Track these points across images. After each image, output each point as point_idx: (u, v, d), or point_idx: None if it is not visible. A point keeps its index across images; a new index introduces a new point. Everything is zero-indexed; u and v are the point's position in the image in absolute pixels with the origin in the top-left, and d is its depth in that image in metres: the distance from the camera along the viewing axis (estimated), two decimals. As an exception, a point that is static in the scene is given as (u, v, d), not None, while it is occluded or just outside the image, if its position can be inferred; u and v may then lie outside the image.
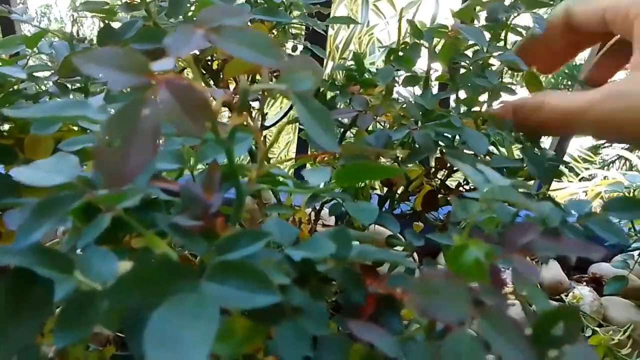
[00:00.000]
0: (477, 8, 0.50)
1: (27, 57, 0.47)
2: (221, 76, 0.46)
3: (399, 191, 0.50)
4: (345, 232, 0.25)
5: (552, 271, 0.83)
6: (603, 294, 0.77)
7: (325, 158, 0.35)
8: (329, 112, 0.23)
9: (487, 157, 0.42)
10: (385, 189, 0.50)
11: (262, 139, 0.27)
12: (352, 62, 0.49)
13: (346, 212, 0.45)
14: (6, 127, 0.43)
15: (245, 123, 0.24)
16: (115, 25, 0.41)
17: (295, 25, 0.57)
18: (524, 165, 0.41)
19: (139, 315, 0.23)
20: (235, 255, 0.23)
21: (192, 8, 0.46)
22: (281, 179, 0.29)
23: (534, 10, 0.48)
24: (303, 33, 0.69)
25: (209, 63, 0.48)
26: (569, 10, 0.46)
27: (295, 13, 0.58)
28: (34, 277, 0.22)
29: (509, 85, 0.46)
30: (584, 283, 0.85)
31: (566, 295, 0.79)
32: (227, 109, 0.26)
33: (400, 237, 0.44)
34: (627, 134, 0.39)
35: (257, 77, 0.49)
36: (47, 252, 0.22)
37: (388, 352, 0.21)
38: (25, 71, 0.38)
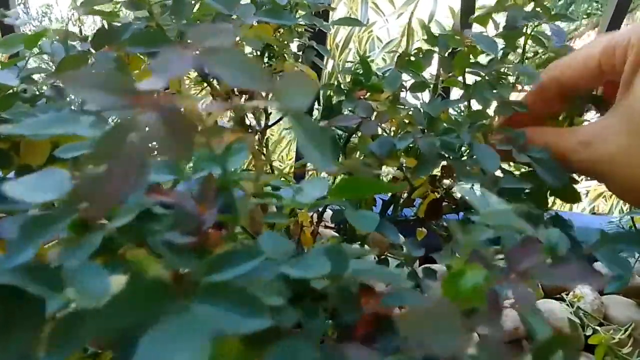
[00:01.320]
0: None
1: (27, 58, 0.46)
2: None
3: (404, 195, 0.49)
4: (340, 250, 0.25)
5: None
6: (604, 292, 0.76)
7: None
8: (325, 131, 0.22)
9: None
10: (390, 194, 0.49)
11: (259, 147, 0.26)
12: (358, 65, 0.48)
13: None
14: None
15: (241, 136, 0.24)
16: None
17: (299, 24, 0.56)
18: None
19: (129, 336, 0.23)
20: (227, 275, 0.22)
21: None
22: (280, 188, 0.29)
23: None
24: (305, 31, 0.68)
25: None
26: (554, 80, 0.44)
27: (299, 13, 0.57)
28: (23, 294, 0.21)
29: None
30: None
31: (567, 294, 0.78)
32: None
33: (401, 246, 0.43)
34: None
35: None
36: (37, 269, 0.22)
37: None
38: (17, 79, 0.37)
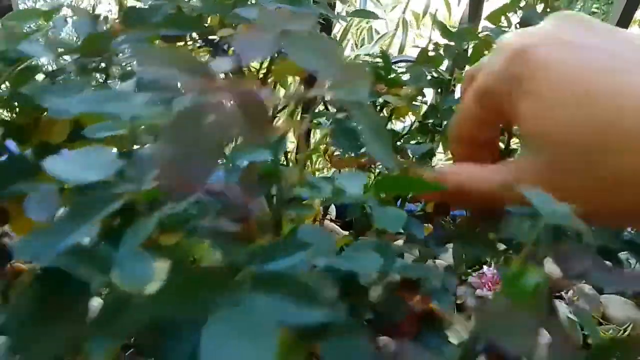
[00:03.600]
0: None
1: (40, 33, 0.45)
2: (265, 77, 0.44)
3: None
4: (388, 245, 0.25)
5: (551, 268, 0.82)
6: (603, 292, 0.77)
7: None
8: (385, 125, 0.22)
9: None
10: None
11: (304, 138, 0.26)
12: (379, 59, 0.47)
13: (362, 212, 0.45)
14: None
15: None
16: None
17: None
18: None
19: (175, 327, 0.22)
20: (277, 266, 0.22)
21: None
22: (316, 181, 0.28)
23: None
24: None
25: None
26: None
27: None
28: (66, 276, 0.21)
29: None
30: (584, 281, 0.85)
31: (566, 293, 0.78)
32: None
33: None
34: None
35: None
36: (82, 251, 0.21)
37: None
38: (47, 50, 0.36)
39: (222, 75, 0.20)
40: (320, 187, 0.27)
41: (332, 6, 0.59)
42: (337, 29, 1.47)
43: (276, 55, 0.35)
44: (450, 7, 1.41)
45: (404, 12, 1.42)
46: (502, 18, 0.49)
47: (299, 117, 0.41)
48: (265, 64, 0.39)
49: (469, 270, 0.80)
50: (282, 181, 0.25)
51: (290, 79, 0.47)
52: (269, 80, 0.38)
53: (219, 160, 0.17)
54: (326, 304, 0.20)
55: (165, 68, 0.17)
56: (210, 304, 0.19)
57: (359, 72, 0.22)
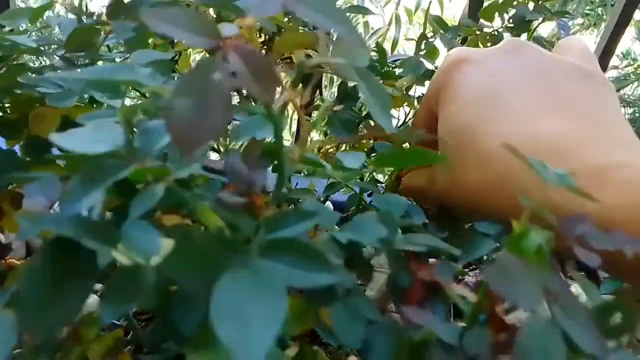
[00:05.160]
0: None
1: (29, 32, 0.45)
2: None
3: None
4: (392, 216, 0.25)
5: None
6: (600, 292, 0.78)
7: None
8: (387, 91, 0.22)
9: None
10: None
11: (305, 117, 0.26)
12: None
13: (359, 203, 0.45)
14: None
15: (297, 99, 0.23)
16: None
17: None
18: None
19: (185, 291, 0.22)
20: (286, 233, 0.22)
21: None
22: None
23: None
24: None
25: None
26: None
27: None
28: (75, 248, 0.21)
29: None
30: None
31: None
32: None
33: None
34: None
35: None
36: (91, 223, 0.21)
37: (447, 338, 0.20)
38: (34, 42, 0.36)
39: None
40: (320, 163, 0.27)
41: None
42: None
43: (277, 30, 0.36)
44: (442, 4, 1.42)
45: (396, 8, 1.44)
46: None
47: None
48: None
49: (466, 270, 0.80)
50: (283, 157, 0.25)
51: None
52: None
53: (230, 114, 0.17)
54: (333, 268, 0.20)
55: (175, 27, 0.17)
56: (219, 268, 0.19)
57: (358, 42, 0.23)
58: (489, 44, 0.51)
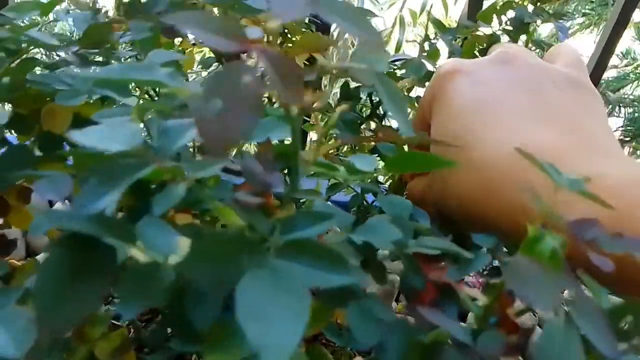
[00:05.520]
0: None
1: (39, 26, 0.45)
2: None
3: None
4: (405, 219, 0.25)
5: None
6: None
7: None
8: (405, 95, 0.23)
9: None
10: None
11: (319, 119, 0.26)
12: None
13: (361, 204, 0.45)
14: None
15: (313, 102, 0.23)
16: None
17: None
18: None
19: (200, 290, 0.22)
20: (302, 235, 0.22)
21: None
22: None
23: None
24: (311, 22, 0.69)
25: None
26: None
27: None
28: (92, 244, 0.21)
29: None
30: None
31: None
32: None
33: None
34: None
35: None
36: (109, 221, 0.21)
37: (461, 337, 0.21)
38: (53, 38, 0.36)
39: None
40: (334, 166, 0.28)
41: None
42: (335, 26, 1.47)
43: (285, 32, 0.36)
44: (447, 6, 1.43)
45: (401, 10, 1.44)
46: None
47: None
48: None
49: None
50: (299, 159, 0.26)
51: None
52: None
53: (259, 117, 0.17)
54: (351, 269, 0.20)
55: (204, 30, 0.17)
56: (237, 268, 0.20)
57: (377, 45, 0.23)
58: (484, 44, 0.51)
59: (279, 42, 0.54)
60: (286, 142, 0.31)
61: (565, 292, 0.21)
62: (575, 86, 0.38)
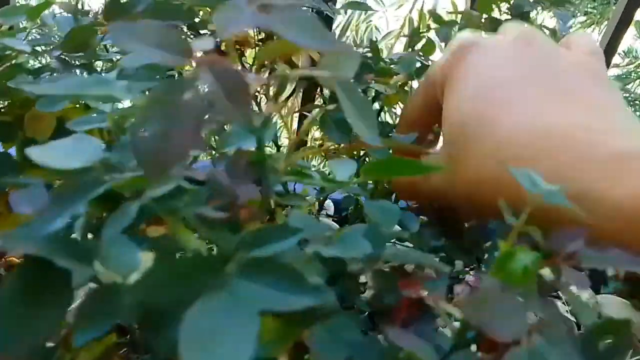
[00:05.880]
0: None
1: (28, 30, 0.44)
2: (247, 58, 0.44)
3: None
4: (378, 230, 0.24)
5: (549, 267, 0.82)
6: (599, 292, 0.77)
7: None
8: (371, 104, 0.21)
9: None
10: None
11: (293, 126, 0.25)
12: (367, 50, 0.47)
13: (356, 203, 0.44)
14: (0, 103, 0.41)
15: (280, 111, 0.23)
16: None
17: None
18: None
19: (163, 312, 0.22)
20: (269, 251, 0.21)
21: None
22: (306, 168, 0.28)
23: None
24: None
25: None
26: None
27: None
28: (49, 266, 0.20)
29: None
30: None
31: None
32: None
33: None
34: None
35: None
36: (65, 241, 0.21)
37: (431, 360, 0.20)
38: (27, 44, 0.36)
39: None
40: (309, 174, 0.27)
41: (334, 1, 0.59)
42: (335, 25, 1.46)
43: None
44: (456, 7, 1.40)
45: (410, 11, 1.41)
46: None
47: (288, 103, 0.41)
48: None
49: (466, 269, 0.79)
50: (268, 168, 0.25)
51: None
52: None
53: (200, 137, 0.16)
54: (313, 289, 0.20)
55: (144, 44, 0.17)
56: (196, 290, 0.19)
57: (344, 49, 0.22)
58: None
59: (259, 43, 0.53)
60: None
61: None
62: (596, 75, 0.37)
